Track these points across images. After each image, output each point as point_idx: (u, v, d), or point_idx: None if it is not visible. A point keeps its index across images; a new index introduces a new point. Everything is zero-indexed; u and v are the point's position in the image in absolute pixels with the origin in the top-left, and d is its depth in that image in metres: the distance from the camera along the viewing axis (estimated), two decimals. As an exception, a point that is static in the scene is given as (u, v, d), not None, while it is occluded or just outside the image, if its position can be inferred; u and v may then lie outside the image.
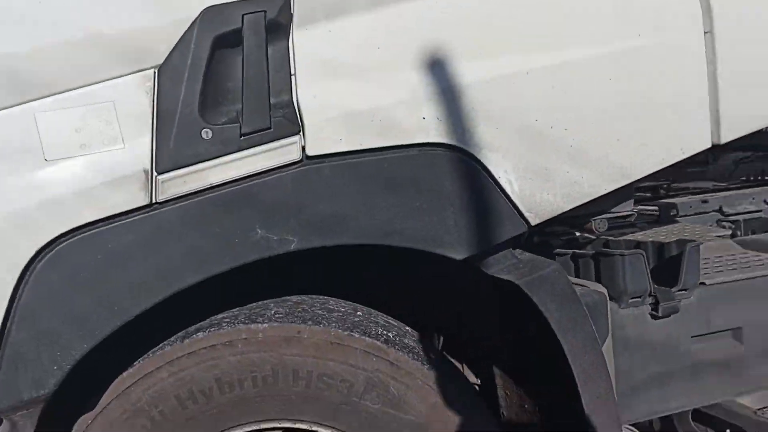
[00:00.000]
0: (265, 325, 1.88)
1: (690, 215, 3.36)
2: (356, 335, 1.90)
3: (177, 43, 1.63)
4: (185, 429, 1.86)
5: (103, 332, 1.61)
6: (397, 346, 1.93)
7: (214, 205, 1.67)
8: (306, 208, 1.74)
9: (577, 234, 2.82)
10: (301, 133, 1.74)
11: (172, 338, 1.93)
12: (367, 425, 1.93)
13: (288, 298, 2.09)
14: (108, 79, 1.60)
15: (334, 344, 1.88)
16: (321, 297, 2.13)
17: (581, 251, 2.53)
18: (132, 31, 1.61)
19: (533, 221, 1.97)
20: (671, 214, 3.29)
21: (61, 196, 1.57)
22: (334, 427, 1.94)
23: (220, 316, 1.99)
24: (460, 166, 1.88)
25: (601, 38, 1.99)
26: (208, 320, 1.97)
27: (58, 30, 1.56)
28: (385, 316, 2.13)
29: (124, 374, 1.87)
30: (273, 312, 1.96)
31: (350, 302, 2.13)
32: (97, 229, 1.60)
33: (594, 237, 2.65)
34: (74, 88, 1.58)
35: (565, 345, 1.99)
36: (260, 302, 2.04)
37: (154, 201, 1.63)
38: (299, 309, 2.00)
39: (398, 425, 1.93)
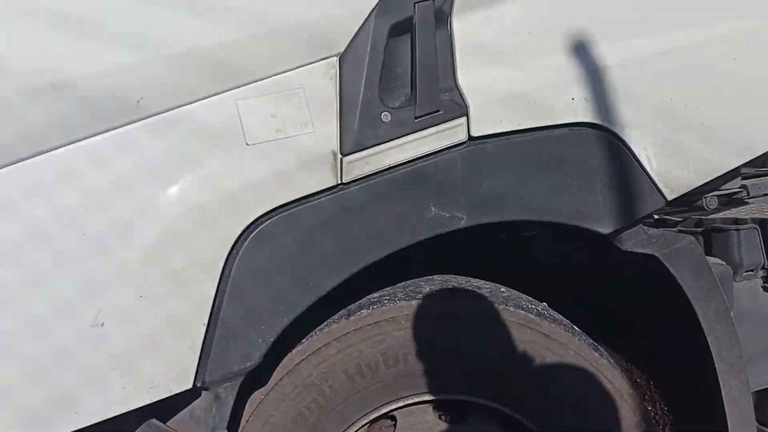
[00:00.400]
0: (426, 301, 1.95)
1: (759, 196, 3.45)
2: (511, 308, 1.98)
3: (357, 32, 1.72)
4: (353, 402, 1.94)
5: (300, 307, 1.69)
6: (548, 319, 2.01)
7: (393, 185, 1.76)
8: (473, 187, 1.83)
9: (656, 217, 2.91)
10: (466, 114, 1.82)
11: (336, 316, 2.01)
12: (523, 395, 2.01)
13: (432, 277, 2.16)
14: (297, 67, 1.68)
15: None
16: (462, 276, 2.21)
17: (689, 228, 2.62)
18: (317, 21, 1.69)
19: (669, 196, 2.05)
20: (742, 195, 3.37)
21: (262, 178, 1.64)
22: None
23: (376, 294, 2.06)
24: (606, 145, 1.96)
25: (725, 18, 2.08)
26: (366, 298, 2.04)
27: (255, 22, 1.64)
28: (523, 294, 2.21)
29: (294, 351, 1.94)
30: (427, 290, 2.04)
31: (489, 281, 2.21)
32: (292, 209, 1.68)
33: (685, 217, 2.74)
34: (269, 76, 1.66)
35: (700, 314, 2.08)
36: (411, 281, 2.12)
37: (340, 182, 1.71)
38: (450, 286, 2.07)
39: None
